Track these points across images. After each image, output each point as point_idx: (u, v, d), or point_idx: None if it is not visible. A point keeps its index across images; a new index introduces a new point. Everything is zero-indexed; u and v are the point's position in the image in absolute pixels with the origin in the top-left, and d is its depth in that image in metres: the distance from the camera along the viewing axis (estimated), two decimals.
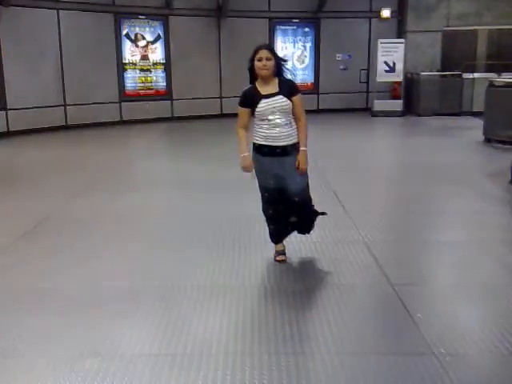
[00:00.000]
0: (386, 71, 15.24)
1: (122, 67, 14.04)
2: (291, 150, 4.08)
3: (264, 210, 4.36)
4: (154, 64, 14.58)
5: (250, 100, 4.02)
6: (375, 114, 15.00)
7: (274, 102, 3.98)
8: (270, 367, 2.90)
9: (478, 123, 11.04)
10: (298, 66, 16.15)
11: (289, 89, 4.04)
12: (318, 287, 3.97)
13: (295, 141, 4.09)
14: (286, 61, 4.19)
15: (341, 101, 15.99)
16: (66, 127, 12.96)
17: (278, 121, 3.99)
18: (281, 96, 3.99)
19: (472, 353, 3.05)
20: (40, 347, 3.14)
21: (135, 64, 14.30)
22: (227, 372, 2.86)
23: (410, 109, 15.12)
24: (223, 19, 14.82)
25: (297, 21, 15.86)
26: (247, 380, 2.78)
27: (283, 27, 15.86)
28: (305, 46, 16.11)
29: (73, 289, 3.99)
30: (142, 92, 14.48)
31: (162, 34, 14.48)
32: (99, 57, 13.38)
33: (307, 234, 4.63)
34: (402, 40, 15.27)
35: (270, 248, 4.52)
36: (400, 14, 15.89)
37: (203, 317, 3.48)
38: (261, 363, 2.94)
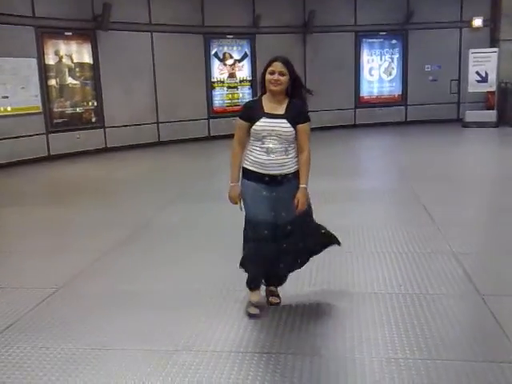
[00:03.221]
0: (478, 81, 14.78)
1: (210, 85, 14.57)
2: (284, 180, 3.52)
3: (244, 234, 3.66)
4: (241, 81, 14.99)
5: (251, 114, 3.54)
6: (466, 125, 14.53)
7: (274, 125, 3.46)
8: (365, 372, 2.95)
9: None
10: (385, 78, 16.01)
11: (297, 115, 3.52)
12: (403, 297, 3.94)
13: (291, 171, 3.53)
14: (302, 85, 3.67)
15: (430, 112, 15.65)
16: (159, 143, 13.60)
17: (270, 145, 3.47)
18: (284, 121, 3.47)
19: None
20: (136, 342, 3.36)
21: (223, 82, 14.77)
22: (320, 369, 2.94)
23: (505, 119, 14.49)
24: (309, 35, 15.01)
25: (384, 33, 15.75)
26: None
27: (370, 40, 15.80)
28: (392, 58, 15.95)
29: (165, 289, 4.24)
30: (228, 109, 14.92)
31: (248, 52, 14.88)
32: (189, 76, 13.95)
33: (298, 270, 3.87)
34: (495, 49, 14.75)
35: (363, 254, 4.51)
36: (493, 21, 15.35)
37: (283, 319, 3.59)
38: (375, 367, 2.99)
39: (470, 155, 10.94)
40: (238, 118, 3.61)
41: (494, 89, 14.74)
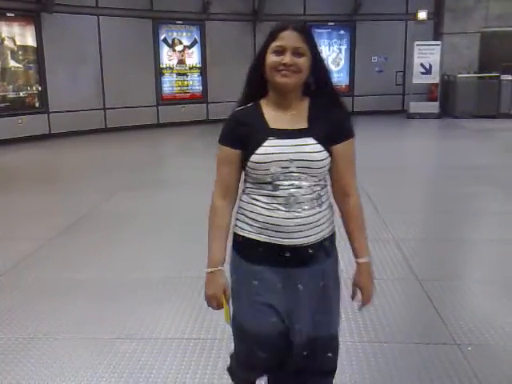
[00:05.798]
0: (423, 73, 15.19)
1: (159, 71, 14.38)
2: (318, 254, 1.95)
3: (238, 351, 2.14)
4: (191, 68, 14.87)
5: (244, 134, 1.88)
6: (411, 116, 14.93)
7: (294, 149, 1.82)
8: None
9: None
10: (333, 68, 16.22)
11: (334, 126, 1.89)
12: (345, 281, 4.04)
13: (328, 234, 1.97)
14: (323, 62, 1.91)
15: (376, 103, 15.99)
16: (105, 130, 13.34)
17: (292, 190, 1.83)
18: (311, 140, 1.84)
19: (494, 344, 3.10)
20: (80, 331, 3.33)
21: (172, 68, 14.61)
22: None
23: (447, 111, 14.98)
24: (259, 23, 15.01)
25: (332, 24, 15.94)
26: None
27: (318, 30, 15.93)
28: (340, 49, 16.17)
29: (109, 277, 4.22)
30: (178, 96, 14.78)
31: (198, 39, 14.76)
32: (138, 61, 13.71)
33: None
34: (439, 42, 15.19)
35: None
36: (436, 15, 15.78)
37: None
38: None
39: (413, 146, 11.26)
40: (219, 146, 1.94)
41: (437, 81, 15.19)
